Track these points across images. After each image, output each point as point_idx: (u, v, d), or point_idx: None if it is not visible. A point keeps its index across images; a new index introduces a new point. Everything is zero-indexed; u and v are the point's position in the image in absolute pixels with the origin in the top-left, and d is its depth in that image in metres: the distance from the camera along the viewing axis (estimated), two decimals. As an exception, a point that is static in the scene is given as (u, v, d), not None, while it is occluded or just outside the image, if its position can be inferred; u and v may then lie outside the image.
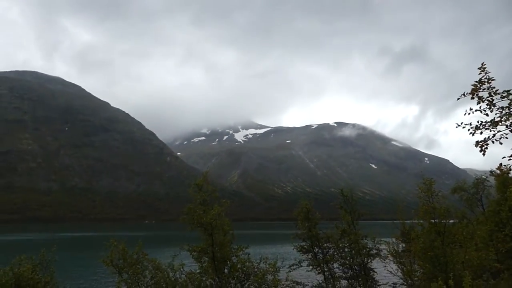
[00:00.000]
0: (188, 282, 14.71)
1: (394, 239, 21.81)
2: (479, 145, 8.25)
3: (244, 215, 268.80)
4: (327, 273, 20.80)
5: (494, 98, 8.08)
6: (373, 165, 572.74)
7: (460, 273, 13.73)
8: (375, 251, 20.80)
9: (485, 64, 8.25)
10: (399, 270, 20.33)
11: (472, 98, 8.17)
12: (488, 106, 8.08)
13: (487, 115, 8.08)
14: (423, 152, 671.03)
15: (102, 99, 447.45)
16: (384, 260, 20.80)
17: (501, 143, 8.05)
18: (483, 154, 8.38)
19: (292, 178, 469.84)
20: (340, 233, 21.00)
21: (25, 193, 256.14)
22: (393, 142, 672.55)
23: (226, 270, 15.27)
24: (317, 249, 21.22)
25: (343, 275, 20.86)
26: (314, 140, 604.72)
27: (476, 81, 8.18)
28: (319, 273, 20.83)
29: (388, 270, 20.61)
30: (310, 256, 21.16)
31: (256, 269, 15.04)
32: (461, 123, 8.29)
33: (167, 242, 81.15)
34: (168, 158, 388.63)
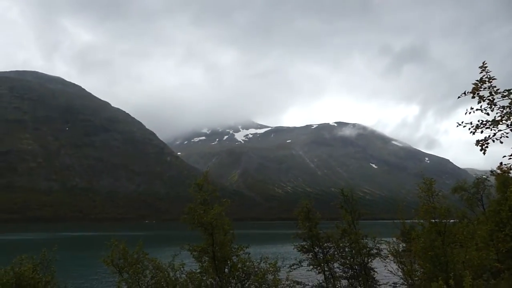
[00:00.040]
0: (189, 281, 14.71)
1: (394, 239, 21.81)
2: (480, 144, 8.25)
3: (244, 214, 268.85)
4: (328, 272, 20.80)
5: (495, 97, 8.07)
6: (373, 165, 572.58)
7: (461, 273, 13.73)
8: (375, 251, 20.80)
9: (486, 63, 8.25)
10: (400, 269, 20.33)
11: (473, 97, 8.16)
12: (489, 105, 8.08)
13: (487, 114, 8.08)
14: (423, 152, 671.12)
15: (102, 99, 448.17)
16: (385, 259, 20.80)
17: (501, 142, 8.05)
18: (484, 153, 8.39)
19: (293, 178, 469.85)
20: (341, 232, 21.00)
21: (26, 193, 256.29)
22: (393, 142, 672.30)
23: (226, 270, 15.28)
24: (317, 249, 21.22)
25: (344, 274, 20.86)
26: (314, 140, 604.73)
27: (477, 80, 8.17)
28: (319, 272, 20.83)
29: (388, 270, 20.60)
30: (310, 256, 21.16)
31: (256, 269, 15.04)
32: (462, 122, 8.29)
33: (167, 241, 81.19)
34: (168, 158, 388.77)
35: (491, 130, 8.07)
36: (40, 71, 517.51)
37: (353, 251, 20.65)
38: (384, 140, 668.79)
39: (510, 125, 7.93)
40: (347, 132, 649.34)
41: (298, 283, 18.90)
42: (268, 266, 15.10)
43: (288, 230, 24.61)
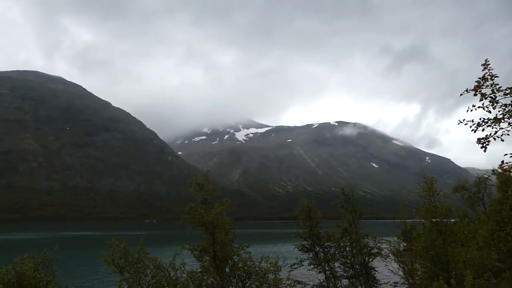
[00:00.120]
0: (190, 281, 14.72)
1: (395, 238, 21.80)
2: (481, 143, 8.25)
3: (245, 214, 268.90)
4: (328, 272, 20.80)
5: (497, 95, 8.06)
6: (374, 164, 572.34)
7: (462, 272, 13.71)
8: (376, 250, 20.79)
9: (488, 61, 8.23)
10: (400, 269, 20.32)
11: (475, 94, 8.15)
12: (491, 103, 8.07)
13: (489, 112, 8.08)
14: (424, 151, 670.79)
15: (103, 98, 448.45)
16: (385, 259, 20.79)
17: (502, 140, 8.05)
18: (484, 151, 8.39)
19: (293, 177, 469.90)
20: (341, 232, 20.99)
21: (27, 192, 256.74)
22: (394, 141, 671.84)
23: (227, 269, 15.28)
24: (318, 248, 21.22)
25: (344, 274, 20.86)
26: (315, 139, 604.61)
27: (479, 78, 8.16)
28: (320, 272, 20.83)
29: (389, 269, 20.60)
30: (311, 255, 21.15)
31: (257, 268, 15.04)
32: (463, 120, 8.29)
33: (168, 241, 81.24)
34: (169, 157, 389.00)
35: (493, 128, 8.06)
36: (41, 71, 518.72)
37: (354, 250, 20.64)
38: (385, 140, 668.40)
39: None
40: (347, 131, 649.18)
41: (299, 282, 18.88)
42: (269, 265, 15.10)
43: (289, 230, 24.62)
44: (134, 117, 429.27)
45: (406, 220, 22.61)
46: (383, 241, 21.15)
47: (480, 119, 8.14)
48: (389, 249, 20.80)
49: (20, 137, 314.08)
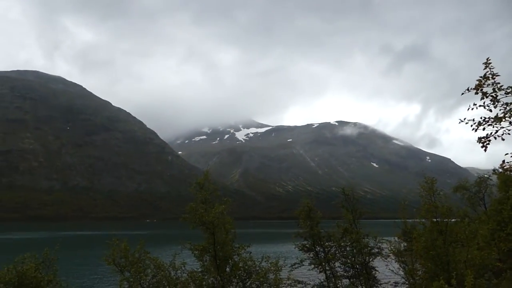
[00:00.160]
0: (190, 280, 14.71)
1: (395, 238, 21.80)
2: (481, 142, 8.24)
3: (245, 214, 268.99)
4: (329, 272, 20.78)
5: (498, 94, 8.06)
6: (374, 164, 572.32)
7: (462, 272, 13.71)
8: (376, 250, 20.77)
9: (490, 59, 8.23)
10: (401, 269, 20.32)
11: (476, 93, 8.14)
12: (492, 102, 8.06)
13: (490, 111, 8.07)
14: (424, 151, 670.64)
15: (103, 98, 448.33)
16: (386, 259, 20.79)
17: (503, 139, 8.04)
18: (485, 150, 8.39)
19: (293, 177, 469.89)
20: (342, 232, 20.97)
21: (27, 192, 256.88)
22: (394, 141, 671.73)
23: (228, 269, 15.27)
24: (318, 248, 21.20)
25: (345, 274, 20.84)
26: (315, 139, 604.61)
27: (480, 77, 8.15)
28: (320, 272, 20.81)
29: (389, 269, 20.60)
30: (311, 255, 21.13)
31: (258, 268, 15.04)
32: (464, 119, 8.29)
33: (168, 241, 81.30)
34: (169, 157, 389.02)
35: (493, 127, 8.06)
36: (41, 70, 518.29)
37: (354, 250, 20.63)
38: (385, 139, 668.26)
39: None
40: (348, 131, 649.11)
41: (299, 282, 18.88)
42: (269, 265, 15.09)
43: (289, 229, 24.62)
44: (134, 117, 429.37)
45: (407, 220, 22.60)
46: (383, 241, 21.14)
47: (481, 118, 8.14)
48: (390, 249, 20.80)
49: (20, 136, 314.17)
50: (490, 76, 8.10)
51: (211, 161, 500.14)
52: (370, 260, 20.83)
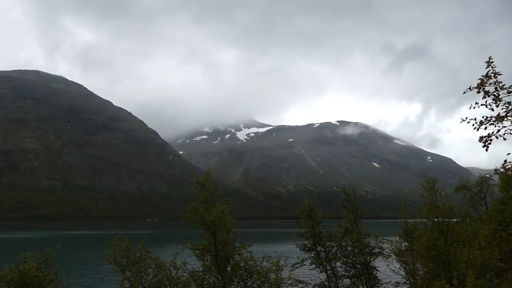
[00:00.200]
0: (191, 280, 14.72)
1: (397, 238, 21.79)
2: (483, 141, 8.21)
3: (246, 213, 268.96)
4: (330, 271, 20.78)
5: (500, 93, 8.03)
6: (375, 164, 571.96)
7: (464, 272, 13.69)
8: (377, 250, 20.77)
9: (492, 58, 8.20)
10: (402, 269, 20.33)
11: (478, 92, 8.12)
12: (494, 101, 8.03)
13: (492, 110, 8.05)
14: (425, 151, 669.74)
15: (104, 98, 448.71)
16: (387, 259, 20.79)
17: (505, 139, 8.01)
18: (486, 150, 8.36)
19: (294, 176, 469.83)
20: (343, 231, 20.97)
21: (28, 191, 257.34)
22: (395, 141, 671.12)
23: (229, 268, 15.28)
24: (319, 248, 21.19)
25: (346, 273, 20.84)
26: (316, 139, 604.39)
27: (482, 75, 8.13)
28: (321, 271, 20.81)
29: (391, 269, 20.61)
30: (312, 255, 21.12)
31: (259, 268, 15.04)
32: (466, 118, 8.26)
33: (169, 240, 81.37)
34: (170, 156, 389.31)
35: (495, 126, 8.03)
36: (42, 70, 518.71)
37: (356, 250, 20.63)
38: (386, 139, 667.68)
39: None
40: (349, 131, 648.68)
41: (300, 282, 18.89)
42: (270, 265, 15.10)
43: (290, 229, 24.62)
44: (135, 117, 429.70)
45: (408, 220, 22.59)
46: (384, 240, 21.15)
47: (483, 117, 8.11)
48: (391, 248, 20.80)
49: (22, 136, 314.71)
50: (492, 75, 8.07)
51: (212, 160, 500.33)
52: (371, 260, 20.82)
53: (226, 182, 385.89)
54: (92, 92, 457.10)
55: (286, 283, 15.67)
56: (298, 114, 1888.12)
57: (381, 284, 21.04)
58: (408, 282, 20.18)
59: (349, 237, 20.76)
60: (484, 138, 8.23)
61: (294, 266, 19.59)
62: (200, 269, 15.26)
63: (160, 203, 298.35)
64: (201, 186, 16.07)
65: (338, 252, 21.07)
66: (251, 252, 15.68)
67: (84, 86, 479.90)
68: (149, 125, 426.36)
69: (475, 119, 8.17)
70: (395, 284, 22.82)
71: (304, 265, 20.44)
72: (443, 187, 18.19)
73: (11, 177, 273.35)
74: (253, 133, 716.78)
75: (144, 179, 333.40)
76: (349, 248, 20.98)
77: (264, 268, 14.93)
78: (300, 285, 18.88)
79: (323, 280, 20.83)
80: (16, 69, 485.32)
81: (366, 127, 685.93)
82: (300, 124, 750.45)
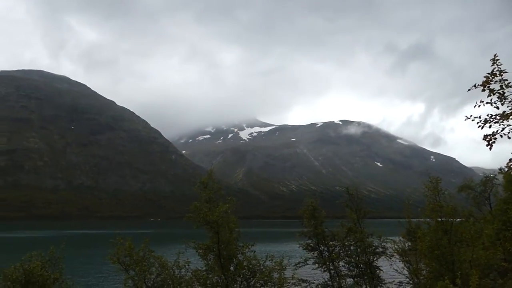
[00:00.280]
0: (194, 279, 14.77)
1: (400, 238, 21.74)
2: (487, 139, 8.18)
3: (249, 213, 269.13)
4: (333, 271, 20.78)
5: (505, 91, 8.00)
6: (378, 163, 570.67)
7: (467, 272, 13.65)
8: (381, 250, 20.73)
9: (497, 56, 8.16)
10: (405, 268, 20.28)
11: (483, 90, 8.08)
12: (499, 99, 8.00)
13: (497, 108, 8.01)
14: (429, 150, 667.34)
15: (107, 97, 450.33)
16: (390, 258, 20.75)
17: (509, 137, 7.96)
18: (490, 149, 8.32)
19: (297, 176, 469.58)
20: (346, 231, 20.95)
21: (32, 191, 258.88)
22: (398, 140, 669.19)
23: (232, 268, 15.30)
24: (323, 247, 21.19)
25: (349, 273, 20.83)
26: (319, 138, 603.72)
27: (488, 73, 8.09)
28: (325, 271, 20.81)
29: (394, 269, 20.57)
30: (316, 254, 21.12)
31: (262, 267, 15.05)
32: (471, 116, 8.23)
33: (172, 239, 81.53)
34: (173, 156, 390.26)
35: (500, 124, 7.99)
36: (46, 70, 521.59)
37: (359, 249, 20.60)
38: (389, 139, 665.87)
39: None
40: (352, 130, 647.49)
41: (303, 281, 18.91)
42: (273, 264, 15.10)
43: (293, 229, 24.61)
44: (138, 116, 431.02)
45: (411, 220, 22.53)
46: (388, 240, 21.11)
47: (487, 115, 8.07)
48: (394, 248, 20.76)
49: (26, 136, 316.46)
50: (498, 72, 8.03)
51: (215, 160, 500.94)
52: (374, 259, 20.79)
53: (229, 181, 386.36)
54: (95, 92, 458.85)
55: (289, 283, 15.69)
56: (301, 113, 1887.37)
57: (384, 283, 21.01)
58: (411, 282, 20.13)
59: (352, 237, 20.74)
60: (489, 137, 8.19)
61: (297, 266, 19.61)
62: (203, 269, 15.29)
63: (163, 203, 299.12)
64: (204, 185, 16.09)
65: (341, 251, 21.07)
66: (254, 252, 15.69)
67: (88, 86, 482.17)
68: (152, 125, 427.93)
69: (479, 117, 8.14)
70: (398, 283, 22.79)
71: (307, 264, 20.46)
72: (446, 187, 18.14)
73: (15, 177, 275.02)
74: (256, 132, 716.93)
75: (147, 178, 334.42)
76: (352, 248, 20.97)
77: (267, 268, 14.94)
78: (303, 284, 18.90)
79: (326, 279, 20.84)
80: (20, 68, 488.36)
81: (369, 126, 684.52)
82: (302, 123, 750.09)
